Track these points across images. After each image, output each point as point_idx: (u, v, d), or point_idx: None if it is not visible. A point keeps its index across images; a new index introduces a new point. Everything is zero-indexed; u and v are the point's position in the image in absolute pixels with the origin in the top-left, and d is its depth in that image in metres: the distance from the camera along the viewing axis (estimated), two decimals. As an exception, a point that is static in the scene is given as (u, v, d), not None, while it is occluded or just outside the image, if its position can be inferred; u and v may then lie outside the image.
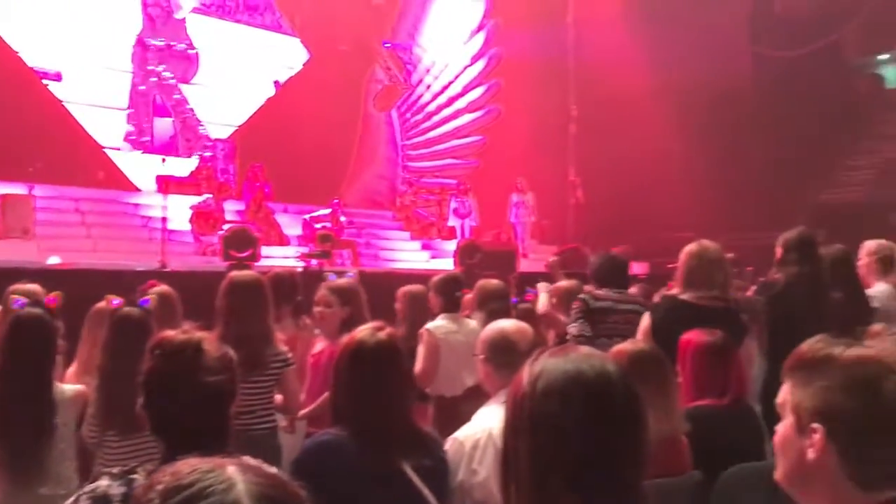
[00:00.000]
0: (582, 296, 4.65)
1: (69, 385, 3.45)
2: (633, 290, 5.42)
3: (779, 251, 4.61)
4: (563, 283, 5.70)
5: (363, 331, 2.65)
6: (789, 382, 1.53)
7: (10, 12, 13.47)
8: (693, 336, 3.32)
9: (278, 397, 3.99)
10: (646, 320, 4.11)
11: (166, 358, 2.03)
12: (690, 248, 3.97)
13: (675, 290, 4.07)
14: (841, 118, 21.00)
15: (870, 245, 4.99)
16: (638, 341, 3.63)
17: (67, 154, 13.34)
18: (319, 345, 4.61)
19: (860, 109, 24.00)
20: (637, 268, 12.07)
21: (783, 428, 1.52)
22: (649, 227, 15.45)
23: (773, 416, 1.61)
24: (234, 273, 4.28)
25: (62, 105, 14.05)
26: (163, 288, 4.38)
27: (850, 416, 1.42)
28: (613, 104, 16.95)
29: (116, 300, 3.57)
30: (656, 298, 4.77)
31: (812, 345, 1.54)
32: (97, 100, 14.41)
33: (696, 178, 16.48)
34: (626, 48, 17.26)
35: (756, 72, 20.56)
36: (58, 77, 13.78)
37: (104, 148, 14.42)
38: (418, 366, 4.66)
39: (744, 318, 4.06)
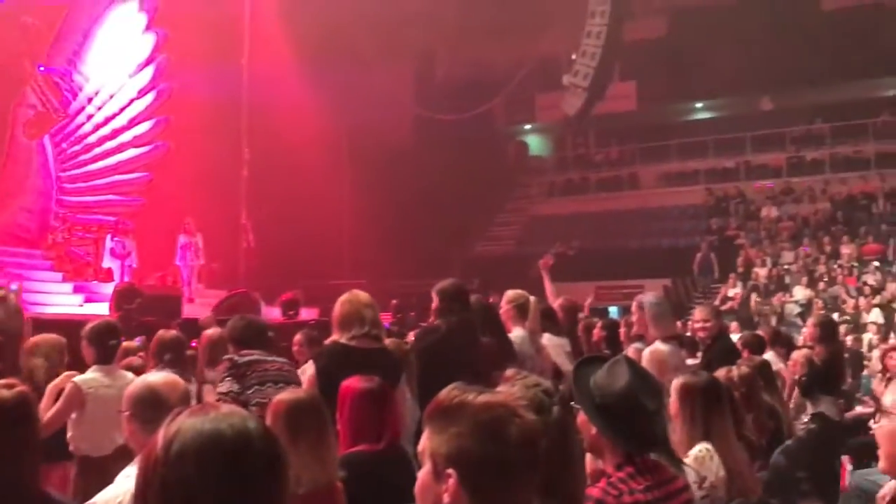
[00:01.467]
0: (228, 355, 4.58)
1: None
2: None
3: (435, 300, 4.94)
4: (210, 331, 5.59)
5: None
6: (427, 429, 1.60)
7: None
8: (352, 382, 3.42)
9: None
10: (310, 367, 4.21)
11: None
12: (343, 296, 4.25)
13: (334, 336, 4.22)
14: (492, 178, 23.21)
15: (509, 294, 5.53)
16: (297, 390, 3.65)
17: None
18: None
19: (508, 171, 26.74)
20: (307, 313, 12.17)
21: (422, 474, 1.58)
22: (320, 272, 15.73)
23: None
24: None
25: None
26: None
27: (478, 460, 1.51)
28: (286, 150, 17.12)
29: None
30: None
31: (448, 392, 1.62)
32: None
33: (364, 226, 17.15)
34: (299, 95, 17.56)
35: (419, 131, 22.07)
36: None
37: None
38: (47, 416, 4.25)
39: (400, 360, 4.34)
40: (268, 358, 4.51)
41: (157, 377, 2.90)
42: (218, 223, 16.09)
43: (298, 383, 4.28)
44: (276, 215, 16.52)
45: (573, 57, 21.23)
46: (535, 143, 29.64)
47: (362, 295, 4.31)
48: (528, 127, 28.96)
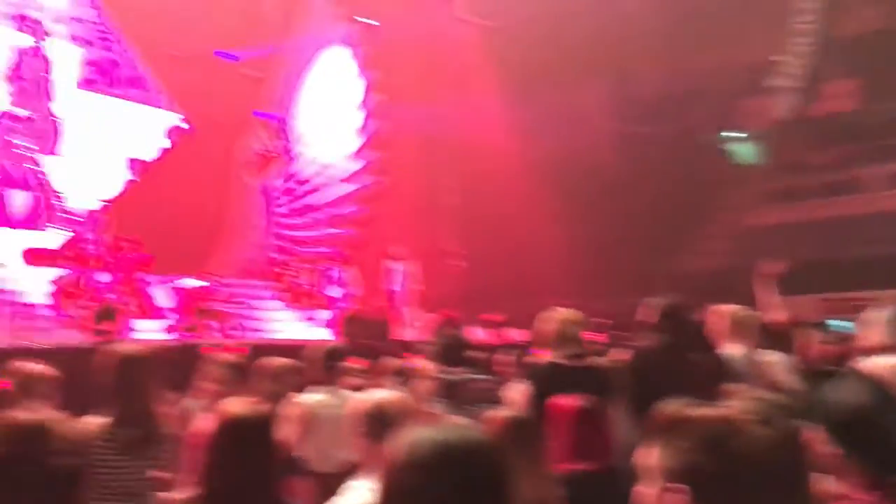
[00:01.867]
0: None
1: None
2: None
3: (648, 316, 4.84)
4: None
5: (235, 405, 2.60)
6: (653, 445, 1.59)
7: None
8: (565, 401, 3.43)
9: (164, 475, 3.83)
10: (520, 386, 4.25)
11: (12, 441, 1.91)
12: (550, 313, 4.21)
13: (541, 355, 4.22)
14: (699, 190, 22.31)
15: (723, 308, 5.30)
16: (511, 407, 3.71)
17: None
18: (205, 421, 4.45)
19: (715, 182, 25.60)
20: (514, 333, 12.30)
21: (650, 490, 1.57)
22: (526, 292, 15.83)
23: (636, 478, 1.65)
24: (121, 347, 4.09)
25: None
26: (28, 366, 4.14)
27: (709, 476, 1.48)
28: (491, 176, 17.50)
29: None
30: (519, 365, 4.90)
31: (672, 407, 1.61)
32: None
33: (569, 245, 17.10)
34: (502, 122, 17.93)
35: (620, 147, 21.70)
36: None
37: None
38: (284, 435, 4.55)
39: (611, 379, 4.27)
40: (475, 376, 4.59)
41: (384, 395, 3.06)
42: (430, 250, 16.71)
43: (506, 402, 4.32)
44: (484, 239, 16.90)
45: (780, 59, 20.09)
46: (744, 151, 28.25)
47: (570, 312, 4.30)
48: (734, 135, 27.68)
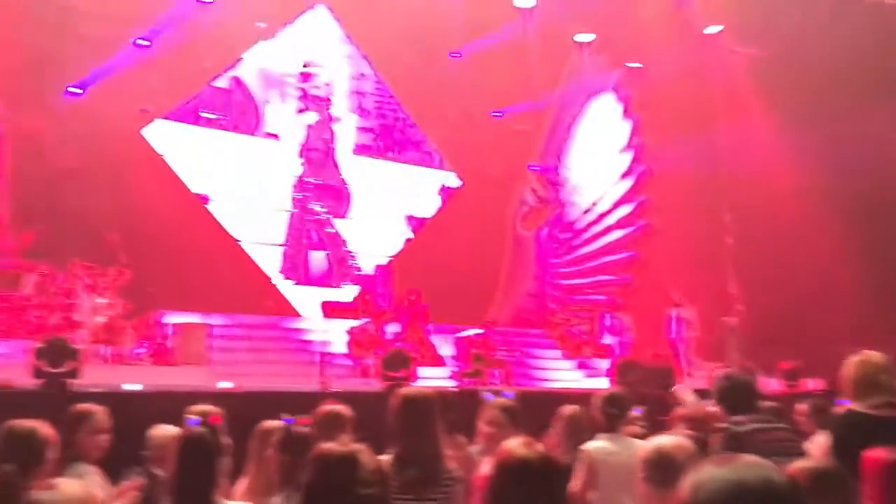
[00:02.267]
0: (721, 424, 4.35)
1: (235, 502, 3.57)
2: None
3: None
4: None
5: (518, 446, 2.59)
6: None
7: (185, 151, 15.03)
8: (883, 454, 3.05)
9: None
10: (822, 438, 3.88)
11: (325, 470, 2.07)
12: (854, 358, 3.85)
13: (848, 404, 3.83)
14: None
15: None
16: (816, 458, 3.37)
17: (238, 284, 14.36)
18: (487, 465, 4.55)
19: None
20: (810, 383, 11.32)
21: None
22: (819, 338, 14.51)
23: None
24: (406, 390, 4.31)
25: (234, 242, 15.31)
26: (333, 407, 4.50)
27: None
28: (767, 211, 16.42)
29: (287, 419, 3.73)
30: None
31: None
32: (260, 236, 15.64)
33: (865, 282, 15.48)
34: (777, 156, 16.82)
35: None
36: (205, 199, 15.33)
37: (273, 279, 15.57)
38: (574, 485, 4.52)
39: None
40: (768, 426, 4.24)
41: (666, 441, 2.93)
42: (707, 294, 15.94)
43: (804, 455, 3.94)
44: (766, 280, 15.79)
45: None
46: None
47: (877, 357, 3.88)
48: None
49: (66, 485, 1.99)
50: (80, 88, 14.19)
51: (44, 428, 3.66)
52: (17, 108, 13.35)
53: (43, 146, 13.78)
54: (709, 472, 1.41)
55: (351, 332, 12.98)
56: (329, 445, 2.20)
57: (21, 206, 12.63)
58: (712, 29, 17.82)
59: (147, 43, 14.58)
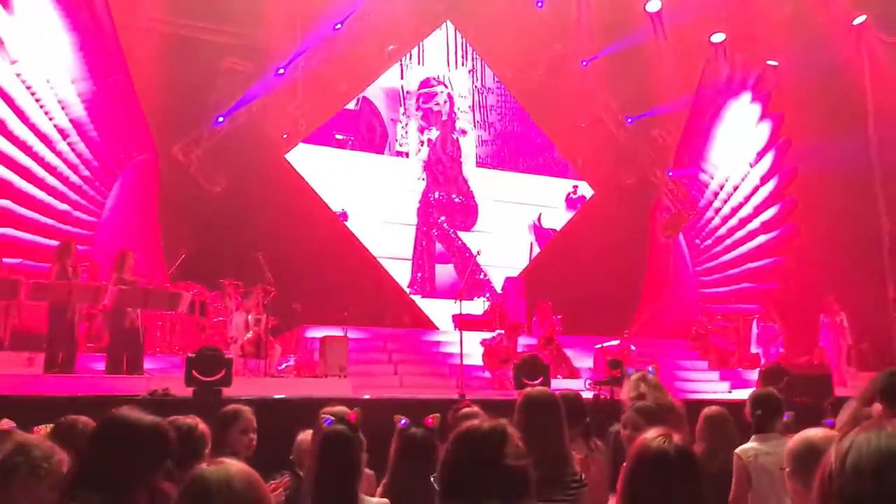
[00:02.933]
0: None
1: (375, 499, 3.62)
2: None
3: None
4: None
5: (655, 438, 2.50)
6: None
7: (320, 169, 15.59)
8: None
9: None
10: None
11: (473, 443, 2.10)
12: None
13: None
14: None
15: None
16: None
17: (376, 298, 14.76)
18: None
19: None
20: None
21: None
22: None
23: None
24: (530, 390, 4.28)
25: (371, 256, 15.74)
26: (473, 409, 4.54)
27: None
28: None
29: (403, 420, 3.79)
30: None
31: None
32: (394, 251, 16.02)
33: None
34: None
35: None
36: (344, 216, 15.82)
37: (410, 294, 15.92)
38: (731, 494, 4.44)
39: None
40: None
41: (815, 432, 2.77)
42: (862, 300, 14.97)
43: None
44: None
45: None
46: None
47: None
48: None
49: (232, 463, 2.10)
50: (225, 117, 15.01)
51: (201, 424, 3.86)
52: (169, 138, 14.29)
53: (192, 173, 14.66)
54: (859, 438, 1.32)
55: (485, 344, 13.01)
56: (475, 422, 2.24)
57: (174, 229, 13.44)
58: (857, 20, 16.91)
59: (282, 72, 15.29)
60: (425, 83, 17.32)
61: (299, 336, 12.72)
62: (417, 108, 17.19)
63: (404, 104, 17.05)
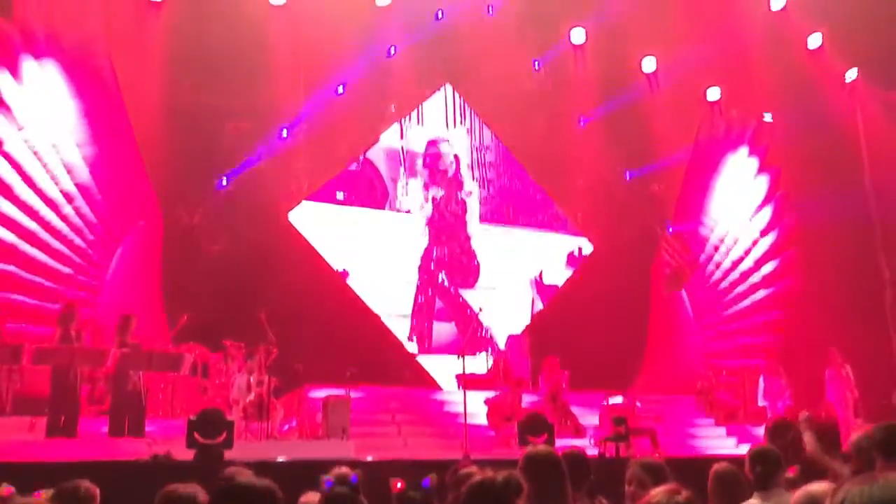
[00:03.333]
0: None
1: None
2: None
3: None
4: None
5: (662, 493, 2.51)
6: None
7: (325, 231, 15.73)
8: None
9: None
10: None
11: (491, 495, 2.13)
12: None
13: None
14: None
15: None
16: None
17: (378, 357, 14.71)
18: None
19: None
20: None
21: None
22: None
23: None
24: (531, 449, 4.27)
25: (373, 314, 15.74)
26: (472, 468, 4.51)
27: None
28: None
29: (399, 483, 3.80)
30: None
31: None
32: (396, 309, 16.01)
33: None
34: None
35: None
36: (345, 275, 15.86)
37: (410, 351, 15.85)
38: None
39: None
40: None
41: (818, 486, 2.78)
42: (866, 353, 14.89)
43: None
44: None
45: None
46: None
47: None
48: None
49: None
50: (229, 180, 15.17)
51: (202, 494, 3.84)
52: (172, 199, 14.42)
53: (194, 233, 14.76)
54: (852, 490, 1.34)
55: (488, 402, 12.93)
56: (489, 474, 2.27)
57: (176, 291, 13.48)
58: (849, 75, 17.20)
59: (286, 135, 15.52)
60: (430, 142, 17.56)
61: (302, 397, 12.65)
62: (424, 167, 17.39)
63: (404, 164, 17.24)
